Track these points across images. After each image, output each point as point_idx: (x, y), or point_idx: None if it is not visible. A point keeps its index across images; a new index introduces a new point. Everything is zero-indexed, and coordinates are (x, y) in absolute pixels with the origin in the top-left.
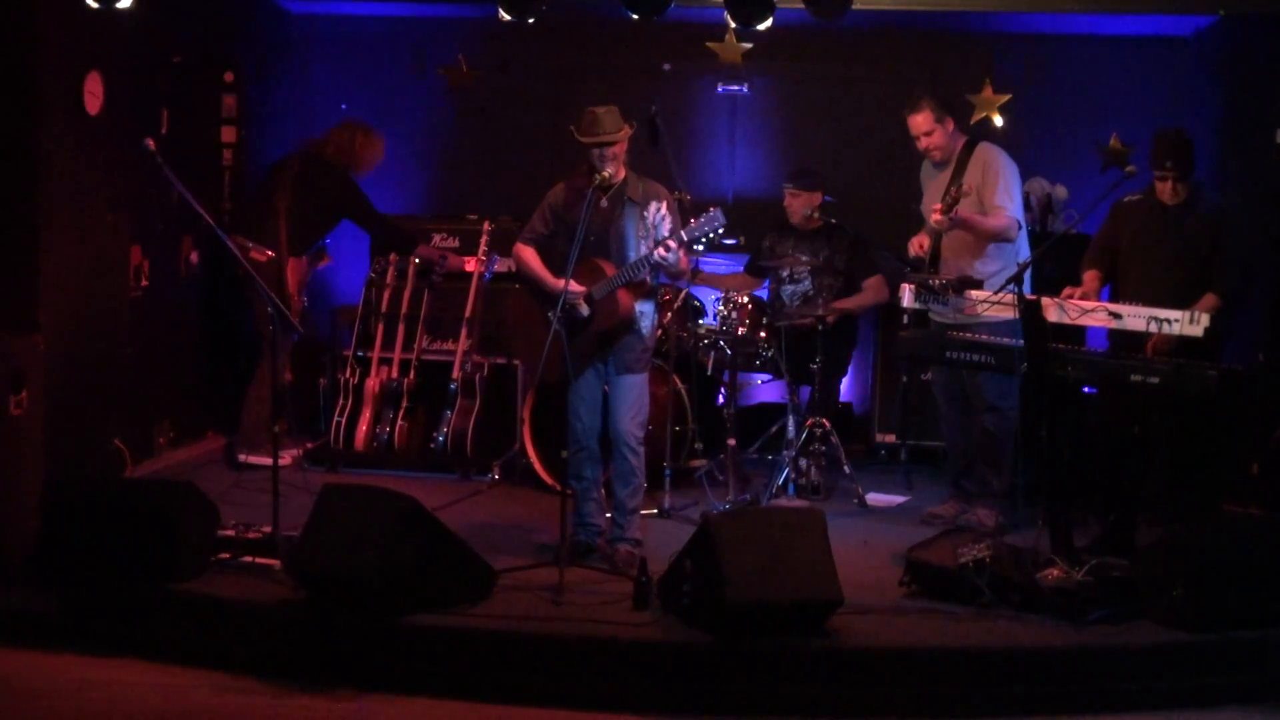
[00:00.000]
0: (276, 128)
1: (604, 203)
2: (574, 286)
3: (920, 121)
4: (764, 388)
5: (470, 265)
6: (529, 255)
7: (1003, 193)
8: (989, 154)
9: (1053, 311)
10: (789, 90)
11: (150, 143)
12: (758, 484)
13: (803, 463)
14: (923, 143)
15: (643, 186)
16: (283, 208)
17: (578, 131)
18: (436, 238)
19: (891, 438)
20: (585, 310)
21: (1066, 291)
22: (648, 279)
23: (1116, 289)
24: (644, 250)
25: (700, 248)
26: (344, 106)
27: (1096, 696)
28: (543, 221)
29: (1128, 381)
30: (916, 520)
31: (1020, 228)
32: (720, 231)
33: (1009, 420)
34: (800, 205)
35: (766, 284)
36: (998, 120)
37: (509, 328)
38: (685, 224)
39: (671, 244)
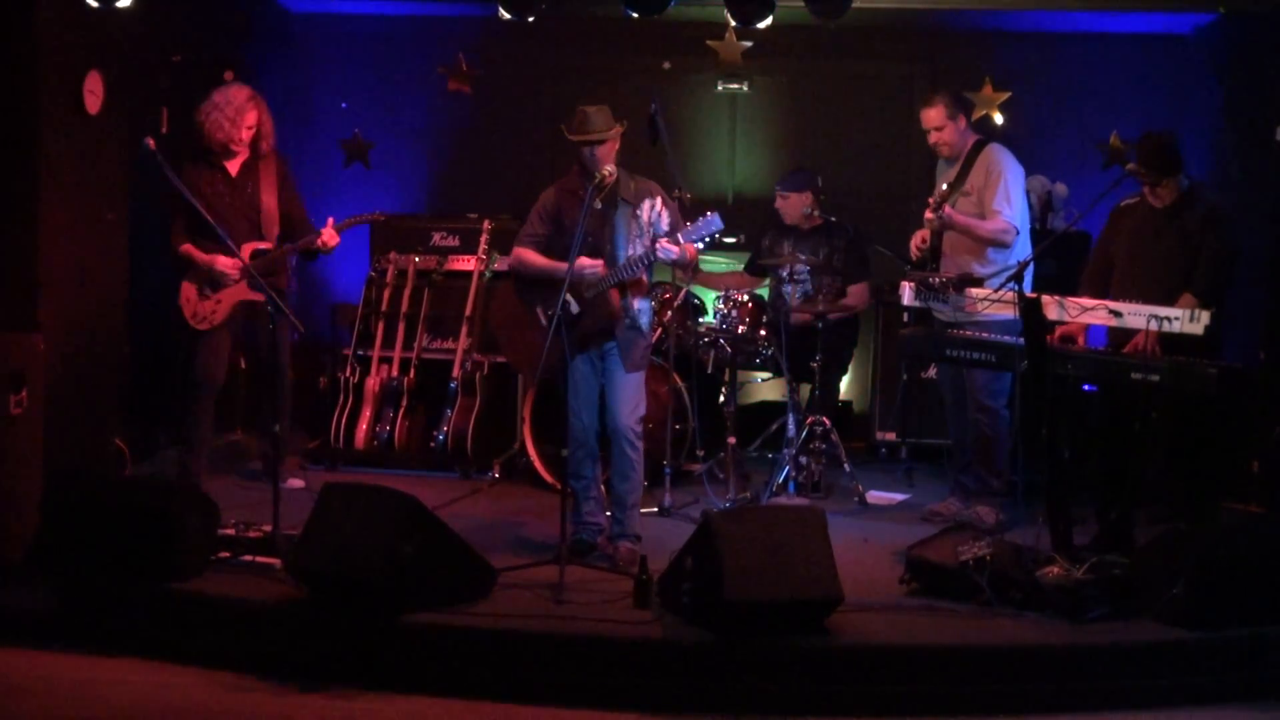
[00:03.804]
0: (276, 127)
1: (598, 204)
2: (589, 262)
3: (932, 116)
4: (764, 386)
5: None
6: (530, 254)
7: (1001, 197)
8: (994, 156)
9: (1053, 309)
10: (789, 89)
11: (150, 142)
12: (758, 482)
13: (803, 461)
14: (932, 138)
15: (634, 185)
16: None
17: (568, 130)
18: (436, 236)
19: (892, 436)
20: (576, 307)
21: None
22: (644, 277)
23: (1114, 288)
24: (638, 249)
25: (700, 246)
26: (344, 105)
27: (1096, 694)
28: (541, 223)
29: (1128, 379)
30: (917, 518)
31: (1017, 233)
32: (717, 235)
33: (1000, 419)
34: (791, 207)
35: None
36: (997, 118)
37: (496, 329)
38: (681, 218)
39: (672, 247)
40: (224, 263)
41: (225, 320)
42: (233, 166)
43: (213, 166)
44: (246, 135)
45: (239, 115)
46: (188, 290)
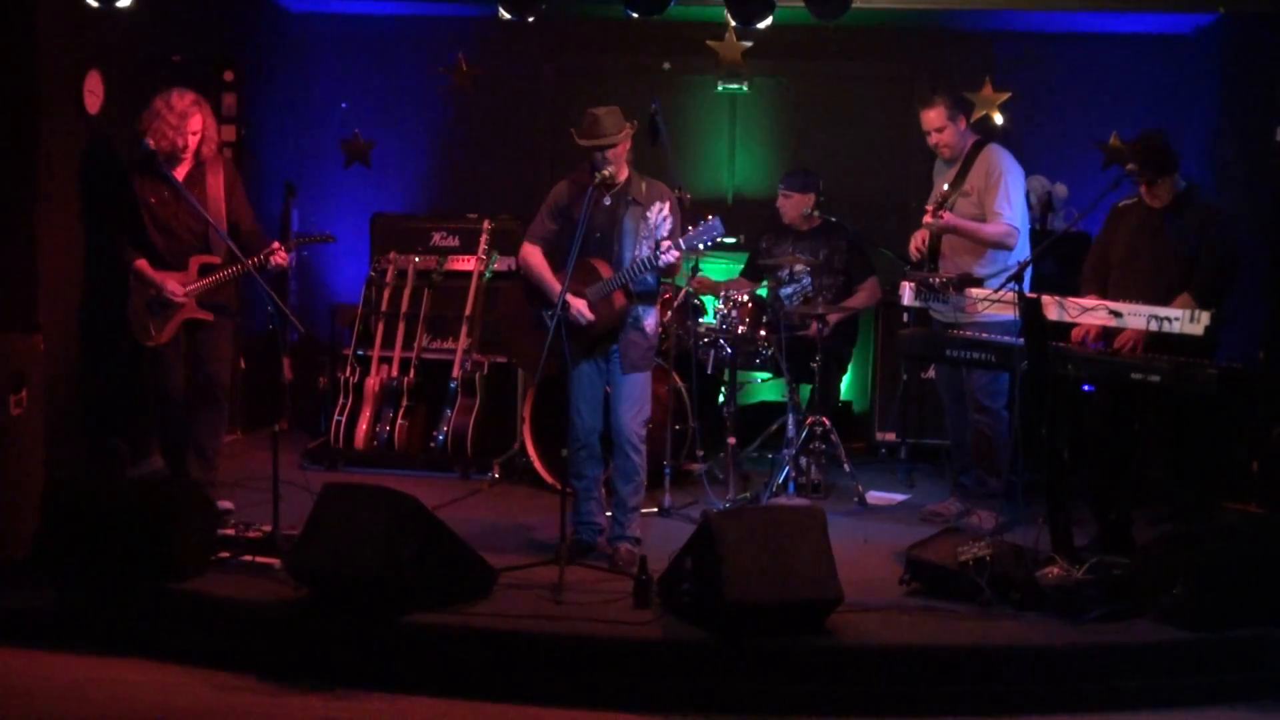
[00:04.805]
0: (276, 127)
1: (607, 201)
2: (576, 302)
3: (932, 118)
4: (764, 386)
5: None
6: (536, 259)
7: (1002, 199)
8: (994, 157)
9: (1053, 310)
10: (789, 90)
11: (150, 142)
12: (758, 482)
13: (803, 461)
14: (933, 139)
15: (645, 186)
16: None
17: (578, 134)
18: (436, 236)
19: (891, 436)
20: (583, 320)
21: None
22: (649, 279)
23: (1111, 288)
24: (644, 250)
25: (701, 247)
26: (344, 105)
27: (1096, 694)
28: (550, 219)
29: (1128, 379)
30: (916, 518)
31: (1018, 234)
32: (718, 240)
33: (1000, 420)
34: (792, 207)
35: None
36: (998, 118)
37: (501, 327)
38: (685, 225)
39: (674, 251)
40: (173, 288)
41: (173, 338)
42: (178, 175)
43: (157, 176)
44: (192, 141)
45: (182, 121)
46: (135, 304)
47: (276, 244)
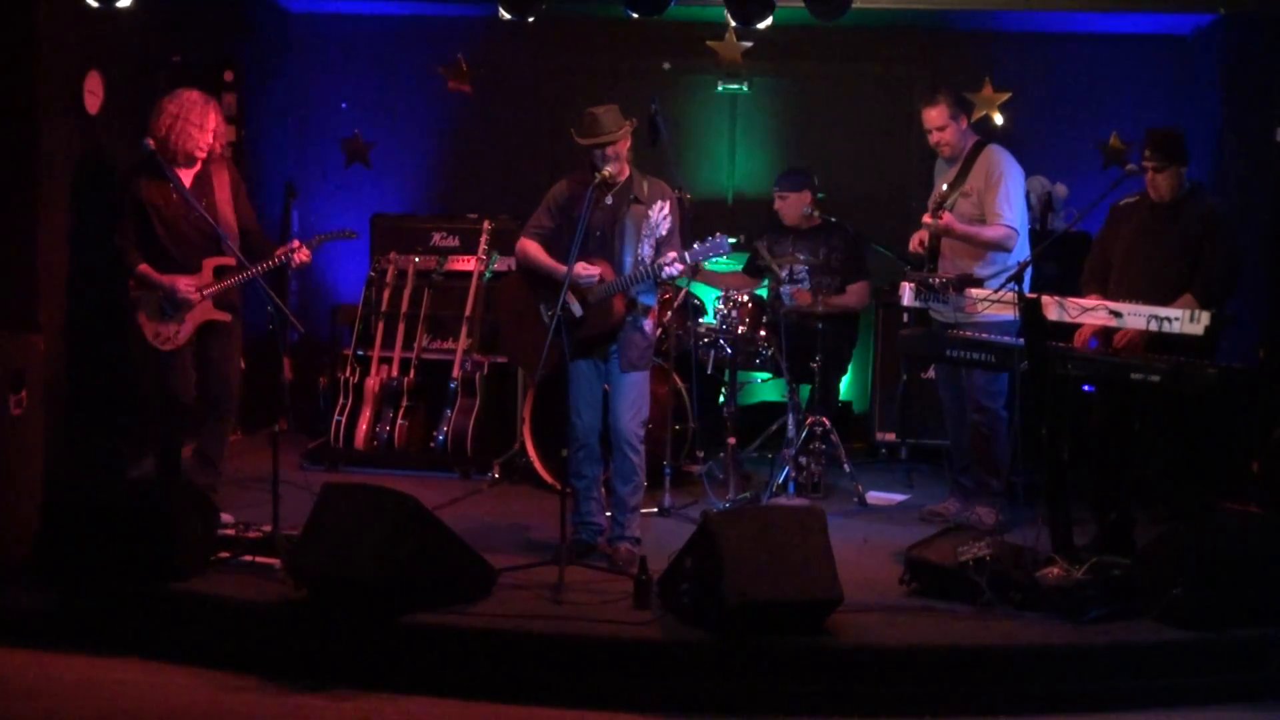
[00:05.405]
0: (276, 128)
1: (609, 200)
2: (586, 269)
3: (934, 116)
4: (764, 386)
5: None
6: (534, 249)
7: (1003, 200)
8: (994, 158)
9: (1053, 310)
10: (789, 90)
11: (150, 142)
12: (758, 482)
13: (803, 461)
14: (934, 138)
15: (647, 186)
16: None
17: (577, 133)
18: (436, 236)
19: (891, 436)
20: (579, 310)
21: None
22: (652, 285)
23: (1111, 287)
24: (645, 250)
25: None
26: (344, 105)
27: (1096, 694)
28: (548, 216)
29: (1128, 379)
30: (916, 518)
31: (1018, 235)
32: (723, 258)
33: (998, 420)
34: (791, 207)
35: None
36: (998, 118)
37: (499, 321)
38: (685, 222)
39: (678, 264)
40: (185, 286)
41: (189, 341)
42: (186, 177)
43: (164, 178)
44: (211, 139)
45: (204, 119)
46: (147, 309)
47: (297, 242)
